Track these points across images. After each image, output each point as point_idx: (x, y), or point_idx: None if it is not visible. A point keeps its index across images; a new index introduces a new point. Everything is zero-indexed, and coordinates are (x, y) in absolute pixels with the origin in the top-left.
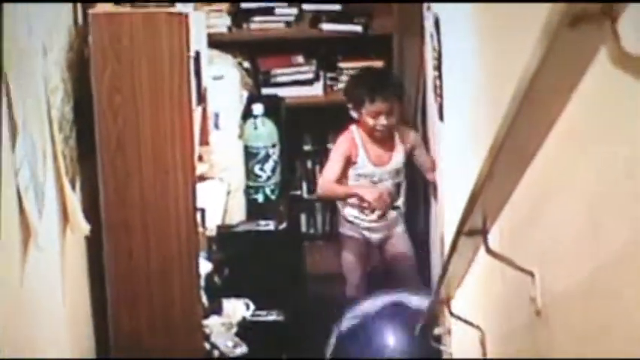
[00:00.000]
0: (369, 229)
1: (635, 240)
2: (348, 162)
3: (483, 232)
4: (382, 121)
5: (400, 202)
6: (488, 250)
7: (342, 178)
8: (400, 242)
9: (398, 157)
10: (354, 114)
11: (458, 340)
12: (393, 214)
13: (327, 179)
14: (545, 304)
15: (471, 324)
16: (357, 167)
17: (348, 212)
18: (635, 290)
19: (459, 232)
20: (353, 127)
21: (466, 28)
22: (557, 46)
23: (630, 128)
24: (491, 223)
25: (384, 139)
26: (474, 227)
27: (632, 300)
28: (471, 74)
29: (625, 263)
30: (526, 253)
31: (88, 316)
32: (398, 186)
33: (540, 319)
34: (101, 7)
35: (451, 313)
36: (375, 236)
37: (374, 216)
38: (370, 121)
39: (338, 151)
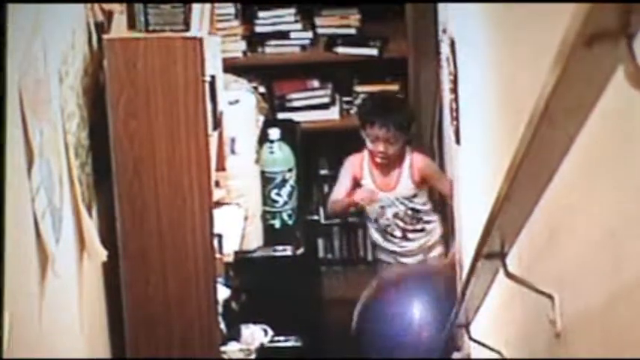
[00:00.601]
0: (400, 254)
1: None
2: (356, 182)
3: (502, 255)
4: (380, 147)
5: (430, 226)
6: (507, 274)
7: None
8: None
9: (406, 183)
10: (363, 135)
11: None
12: (421, 239)
13: (333, 198)
14: (564, 327)
15: (491, 349)
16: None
17: (374, 236)
18: None
19: (477, 255)
20: (366, 150)
21: (482, 50)
22: (572, 65)
23: None
24: (510, 245)
25: (390, 165)
26: (492, 250)
27: None
28: (487, 97)
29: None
30: (545, 276)
31: (106, 343)
32: (415, 211)
33: (560, 343)
34: (116, 33)
35: (470, 338)
36: (409, 260)
37: (397, 239)
38: (370, 146)
39: (345, 170)
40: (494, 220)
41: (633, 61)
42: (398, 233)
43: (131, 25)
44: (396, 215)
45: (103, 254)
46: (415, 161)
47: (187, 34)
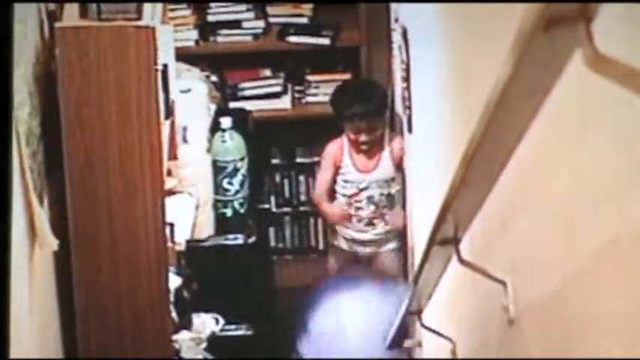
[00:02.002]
0: (355, 240)
1: (608, 247)
2: (337, 168)
3: (455, 241)
4: (362, 137)
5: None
6: (461, 260)
7: (333, 185)
8: (388, 261)
9: (386, 165)
10: (341, 125)
11: (430, 351)
12: (385, 227)
13: (317, 191)
14: (518, 313)
15: (442, 335)
16: (343, 173)
17: None
18: (608, 298)
19: (431, 242)
20: (345, 136)
21: (434, 39)
22: (531, 50)
23: (604, 132)
24: (463, 232)
25: (371, 148)
26: (445, 237)
27: (606, 308)
28: (439, 85)
29: (598, 271)
30: (498, 262)
31: (56, 331)
32: (389, 197)
33: (513, 329)
34: (68, 21)
35: (422, 325)
36: (362, 250)
37: (360, 224)
38: (352, 137)
39: (325, 159)
40: (448, 206)
41: (592, 45)
42: (365, 218)
43: (83, 13)
44: (370, 198)
45: (54, 243)
46: (396, 143)
47: (140, 23)
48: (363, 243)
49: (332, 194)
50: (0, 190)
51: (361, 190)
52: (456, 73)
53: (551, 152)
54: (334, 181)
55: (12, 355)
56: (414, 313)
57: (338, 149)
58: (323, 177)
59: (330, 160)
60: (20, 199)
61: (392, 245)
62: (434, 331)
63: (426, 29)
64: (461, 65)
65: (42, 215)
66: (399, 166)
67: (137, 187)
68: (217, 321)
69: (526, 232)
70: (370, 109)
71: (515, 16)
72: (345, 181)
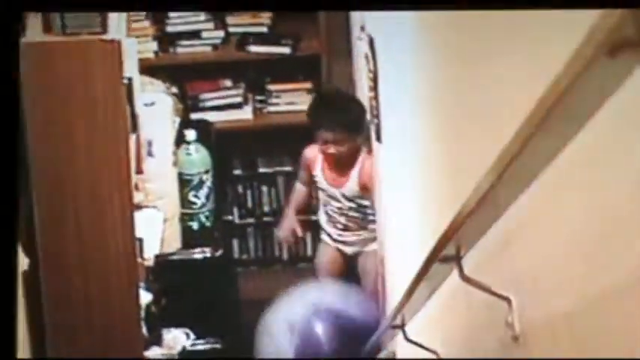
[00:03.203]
0: (339, 241)
1: (617, 271)
2: (311, 174)
3: (458, 259)
4: (330, 149)
5: (372, 226)
6: (464, 277)
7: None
8: (370, 260)
9: (352, 185)
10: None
11: None
12: (361, 235)
13: (298, 182)
14: (525, 330)
15: (427, 349)
16: (315, 181)
17: (320, 217)
18: (616, 320)
19: (430, 259)
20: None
21: (403, 47)
22: (590, 74)
23: (619, 157)
24: (467, 251)
25: (342, 163)
26: (447, 255)
27: (613, 330)
28: (410, 95)
29: (606, 294)
30: (500, 279)
31: (26, 349)
32: (360, 208)
33: (514, 346)
34: (31, 36)
35: (407, 338)
36: (346, 249)
37: (337, 229)
38: (320, 146)
39: (302, 164)
40: (456, 229)
41: None
42: (339, 225)
43: (47, 28)
44: (340, 209)
45: (23, 262)
46: (366, 165)
47: (105, 37)
48: (345, 242)
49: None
50: (7, 193)
51: (332, 198)
52: (426, 83)
53: (562, 171)
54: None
55: None
56: (397, 326)
57: (313, 157)
58: (300, 180)
59: (305, 163)
60: None
61: (375, 246)
62: (419, 345)
63: (394, 37)
64: (431, 74)
65: None
66: (364, 187)
67: (106, 203)
68: (188, 336)
69: (530, 250)
70: (339, 121)
71: (485, 24)
72: (318, 188)
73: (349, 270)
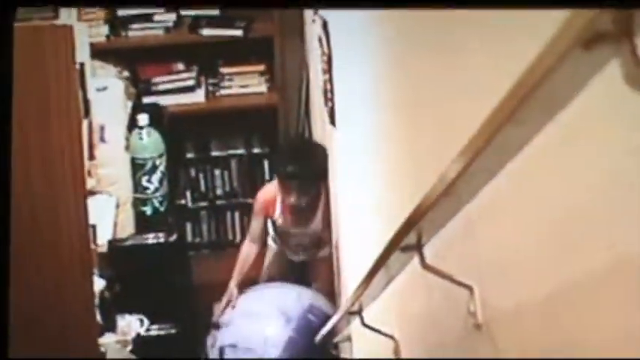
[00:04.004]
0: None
1: (582, 260)
2: (269, 217)
3: (419, 248)
4: (291, 200)
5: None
6: (425, 265)
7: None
8: (321, 268)
9: (314, 227)
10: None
11: (365, 350)
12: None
13: (247, 240)
14: (487, 318)
15: (385, 334)
16: (274, 222)
17: (270, 230)
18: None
19: (390, 247)
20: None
21: (358, 30)
22: (564, 66)
23: (589, 145)
24: (428, 239)
25: (303, 209)
26: (408, 243)
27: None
28: (364, 77)
29: (571, 281)
30: (462, 267)
31: None
32: (318, 241)
33: (475, 333)
34: None
35: (364, 324)
36: (295, 257)
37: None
38: (282, 195)
39: (258, 208)
40: (416, 220)
41: (636, 62)
42: (293, 249)
43: None
44: (298, 243)
45: None
46: (324, 215)
47: (57, 22)
48: (296, 252)
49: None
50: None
51: (291, 236)
52: (381, 65)
53: (528, 159)
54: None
55: None
56: (354, 312)
57: (271, 197)
58: (252, 229)
59: (261, 206)
60: None
61: (325, 252)
62: (376, 330)
63: (347, 20)
64: (386, 57)
65: None
66: (328, 226)
67: (59, 189)
68: (142, 322)
69: (494, 238)
70: (305, 172)
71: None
72: (274, 226)
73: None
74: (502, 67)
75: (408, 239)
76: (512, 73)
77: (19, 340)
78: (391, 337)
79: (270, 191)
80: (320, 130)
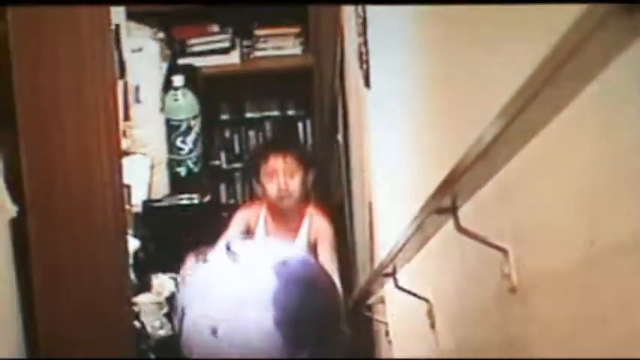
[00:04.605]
0: None
1: (620, 226)
2: (250, 231)
3: (453, 211)
4: (279, 182)
5: None
6: (460, 228)
7: None
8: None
9: (301, 244)
10: (257, 188)
11: (400, 314)
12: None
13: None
14: (523, 283)
15: (419, 297)
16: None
17: None
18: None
19: (426, 209)
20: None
21: None
22: (605, 29)
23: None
24: (464, 202)
25: (288, 218)
26: (443, 206)
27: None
28: (398, 40)
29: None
30: (496, 230)
31: (13, 299)
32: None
33: (510, 297)
34: None
35: (397, 286)
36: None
37: None
38: (268, 186)
39: (237, 220)
40: (454, 181)
41: None
42: None
43: None
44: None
45: (12, 209)
46: (315, 221)
47: None
48: None
49: None
50: None
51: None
52: (418, 28)
53: (567, 121)
54: None
55: None
56: (388, 275)
57: (253, 214)
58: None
59: (242, 221)
60: None
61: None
62: (410, 293)
63: None
64: (422, 19)
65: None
66: (314, 248)
67: (93, 150)
68: (176, 281)
69: (530, 201)
70: (285, 146)
71: None
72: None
73: None
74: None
75: (443, 202)
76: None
77: (52, 301)
78: (425, 299)
79: (252, 208)
80: (354, 92)
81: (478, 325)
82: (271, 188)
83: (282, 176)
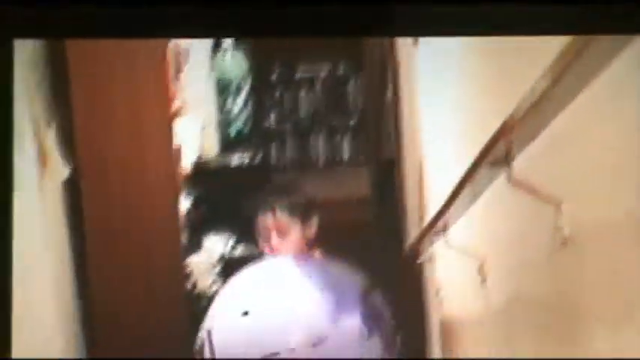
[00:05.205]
0: None
1: None
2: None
3: (507, 162)
4: (272, 241)
5: None
6: (513, 181)
7: None
8: None
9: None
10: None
11: (450, 269)
12: None
13: None
14: (573, 235)
15: (469, 254)
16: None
17: None
18: None
19: (478, 162)
20: None
21: None
22: None
23: None
24: (517, 154)
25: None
26: (496, 157)
27: None
28: None
29: None
30: (549, 183)
31: (66, 257)
32: None
33: (563, 251)
34: None
35: (448, 244)
36: None
37: None
38: (261, 246)
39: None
40: (507, 132)
41: None
42: None
43: None
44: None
45: (64, 171)
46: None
47: None
48: None
49: None
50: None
51: None
52: None
53: (619, 77)
54: None
55: (26, 285)
56: (438, 232)
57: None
58: None
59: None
60: (30, 128)
61: None
62: (461, 250)
63: None
64: None
65: (52, 142)
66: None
67: (145, 112)
68: (227, 242)
69: (580, 153)
70: (278, 201)
71: None
72: None
73: None
74: None
75: (496, 153)
76: None
77: (104, 262)
78: (476, 256)
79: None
80: (403, 48)
81: (529, 279)
82: (265, 245)
83: (275, 235)
